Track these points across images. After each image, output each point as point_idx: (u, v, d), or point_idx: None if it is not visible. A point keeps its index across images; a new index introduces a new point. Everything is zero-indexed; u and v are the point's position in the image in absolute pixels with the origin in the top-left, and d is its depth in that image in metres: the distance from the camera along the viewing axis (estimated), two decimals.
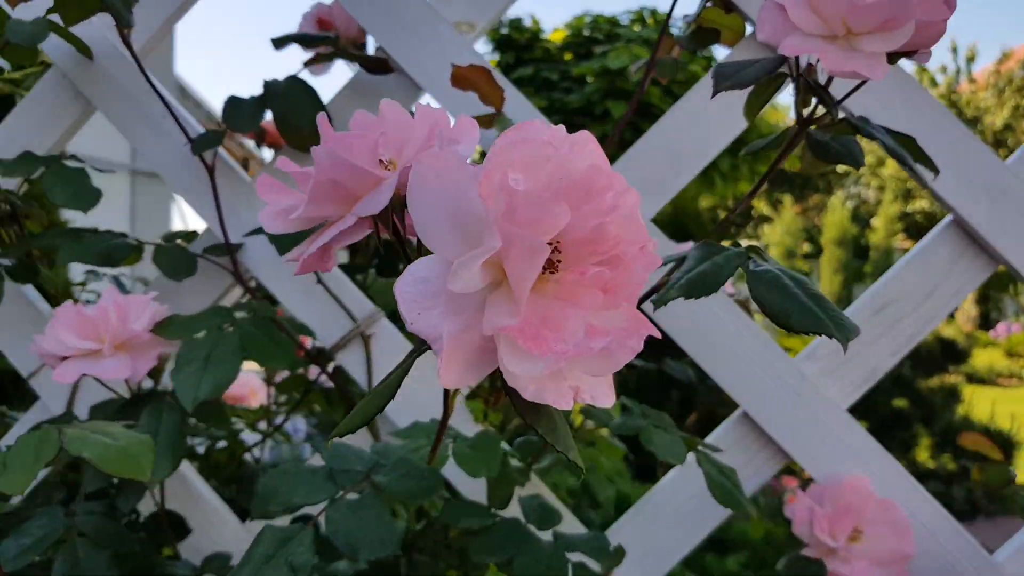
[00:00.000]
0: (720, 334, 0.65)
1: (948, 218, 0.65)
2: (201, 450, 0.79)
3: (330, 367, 0.71)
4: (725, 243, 0.45)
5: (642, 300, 0.47)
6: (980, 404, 4.53)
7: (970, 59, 12.53)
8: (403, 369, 0.30)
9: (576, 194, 0.28)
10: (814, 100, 0.49)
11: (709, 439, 0.67)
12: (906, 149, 0.53)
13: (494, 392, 0.70)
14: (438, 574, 0.60)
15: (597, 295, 0.28)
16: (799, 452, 0.64)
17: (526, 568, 0.48)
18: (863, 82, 0.50)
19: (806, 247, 12.40)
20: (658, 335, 0.30)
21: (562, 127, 0.30)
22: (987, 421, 4.42)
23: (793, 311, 0.36)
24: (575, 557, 0.52)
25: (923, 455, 3.54)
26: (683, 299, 0.66)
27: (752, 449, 0.66)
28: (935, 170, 0.54)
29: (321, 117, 0.31)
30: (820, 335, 0.36)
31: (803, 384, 0.64)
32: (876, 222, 10.87)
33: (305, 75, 0.69)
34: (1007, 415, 4.19)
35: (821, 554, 0.60)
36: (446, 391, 0.39)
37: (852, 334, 0.36)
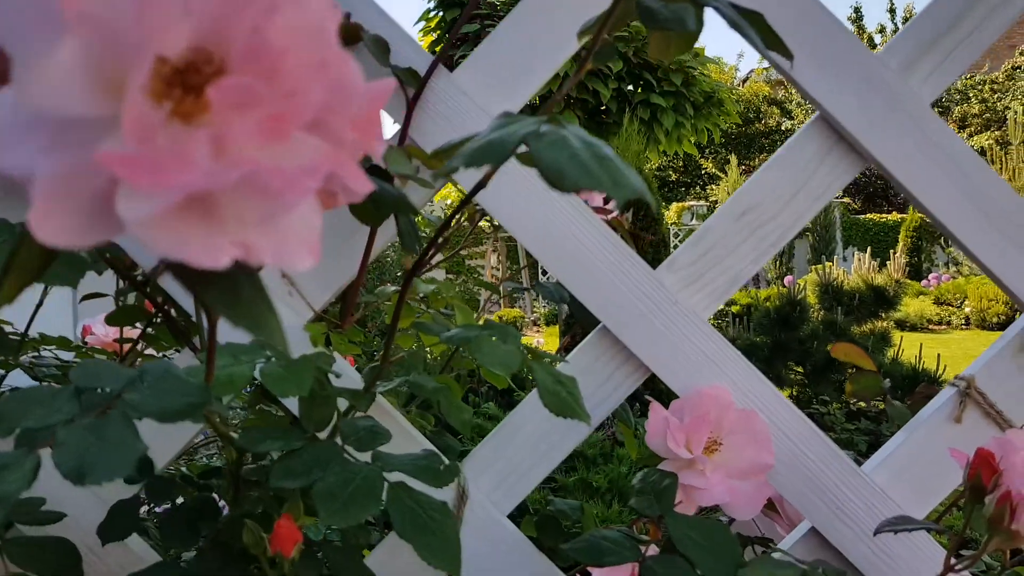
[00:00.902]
0: (575, 244, 0.60)
1: (816, 114, 0.62)
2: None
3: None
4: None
5: None
6: (910, 348, 4.67)
7: (907, 19, 12.78)
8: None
9: None
10: None
11: (571, 355, 0.62)
12: (755, 28, 0.48)
13: (343, 312, 0.64)
14: (268, 509, 0.55)
15: (250, 121, 0.22)
16: (659, 365, 0.60)
17: (329, 489, 0.43)
18: None
19: None
20: (363, 185, 0.24)
21: None
22: (915, 362, 4.58)
23: (567, 167, 0.31)
24: (397, 478, 0.47)
25: None
26: (531, 205, 0.61)
27: (614, 363, 0.62)
28: (788, 55, 0.50)
29: None
30: (599, 192, 0.31)
31: (662, 295, 0.60)
32: None
33: None
34: (934, 357, 4.34)
35: (678, 468, 0.57)
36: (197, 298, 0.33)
37: (629, 192, 0.31)
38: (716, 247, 0.61)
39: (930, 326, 8.70)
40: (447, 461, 0.50)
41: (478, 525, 0.61)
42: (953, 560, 0.46)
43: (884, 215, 12.64)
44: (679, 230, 9.85)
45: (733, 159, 11.27)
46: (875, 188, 15.36)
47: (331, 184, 0.24)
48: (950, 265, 10.83)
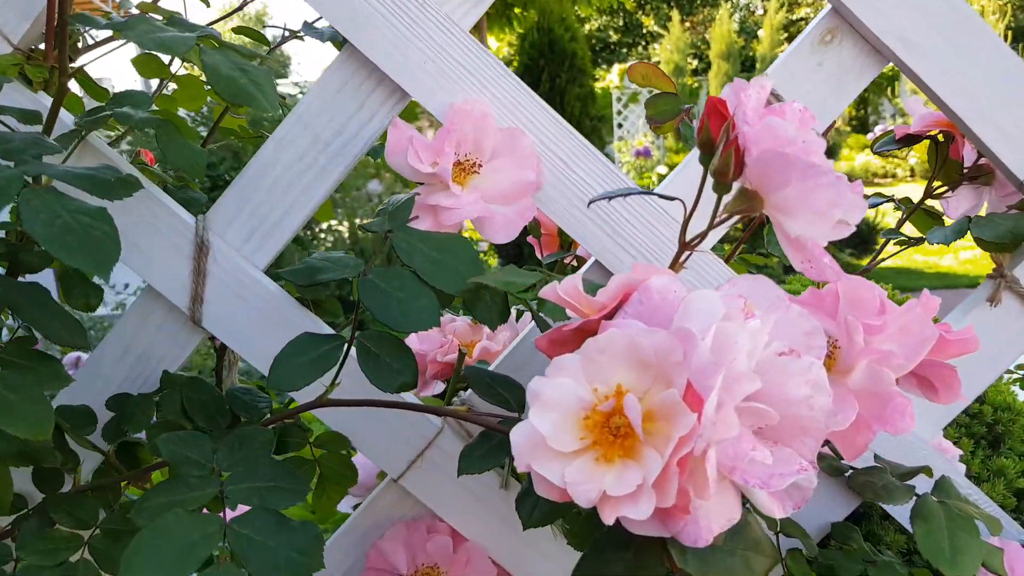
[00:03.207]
0: None
1: None
2: None
3: None
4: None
5: None
6: None
7: None
8: None
9: None
10: None
11: (315, 85, 0.54)
12: None
13: (47, 45, 0.54)
14: None
15: None
16: (413, 83, 0.52)
17: None
18: None
19: (694, 63, 12.23)
20: None
21: None
22: None
23: None
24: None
25: None
26: None
27: (364, 89, 0.53)
28: None
29: None
30: None
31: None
32: (762, 33, 10.75)
33: None
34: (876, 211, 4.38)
35: (430, 192, 0.50)
36: None
37: None
38: None
39: (875, 180, 8.78)
40: (124, 172, 0.42)
41: (227, 280, 0.54)
42: (691, 239, 0.40)
43: None
44: (622, 94, 9.53)
45: (675, 15, 10.83)
46: None
47: None
48: (896, 117, 10.78)
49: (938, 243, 0.56)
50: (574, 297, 0.39)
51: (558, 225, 0.54)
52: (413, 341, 0.72)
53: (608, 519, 0.32)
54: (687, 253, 0.41)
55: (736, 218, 0.40)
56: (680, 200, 0.40)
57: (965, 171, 0.62)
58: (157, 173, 0.59)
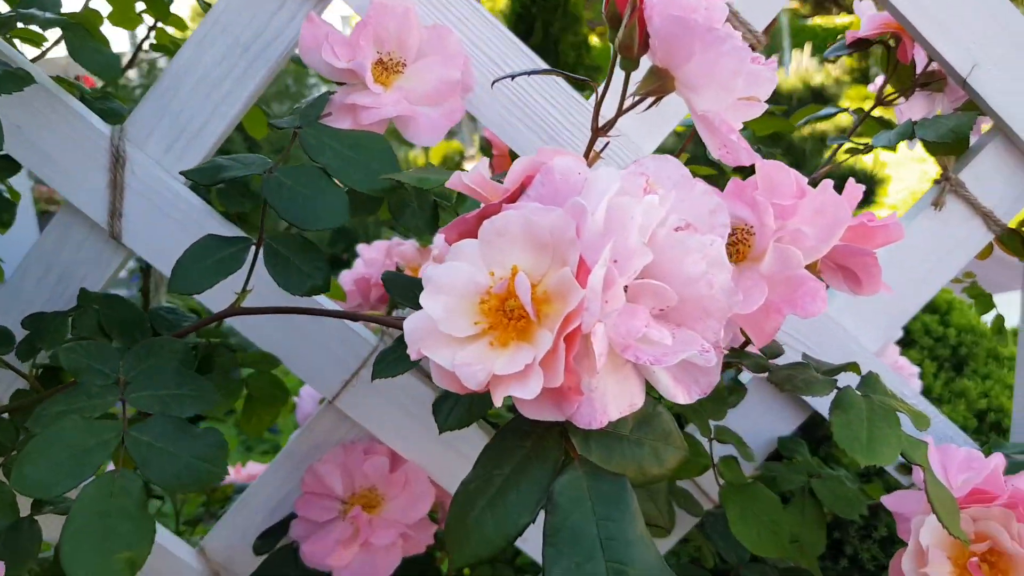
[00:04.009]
0: None
1: None
2: None
3: None
4: None
5: None
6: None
7: None
8: None
9: None
10: None
11: None
12: None
13: None
14: None
15: None
16: None
17: None
18: None
19: None
20: None
21: None
22: (852, 163, 4.59)
23: None
24: None
25: None
26: None
27: None
28: None
29: None
30: None
31: None
32: None
33: None
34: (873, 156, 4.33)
35: (348, 91, 0.48)
36: None
37: None
38: None
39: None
40: (16, 67, 0.40)
41: (146, 193, 0.52)
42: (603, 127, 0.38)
43: (832, 18, 12.21)
44: None
45: None
46: None
47: None
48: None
49: (882, 146, 0.54)
50: (480, 185, 0.37)
51: (491, 130, 0.52)
52: (359, 266, 0.70)
53: (497, 400, 0.31)
54: (603, 141, 0.39)
55: (651, 100, 0.38)
56: (588, 81, 0.38)
57: (917, 77, 0.60)
58: (76, 84, 0.56)
